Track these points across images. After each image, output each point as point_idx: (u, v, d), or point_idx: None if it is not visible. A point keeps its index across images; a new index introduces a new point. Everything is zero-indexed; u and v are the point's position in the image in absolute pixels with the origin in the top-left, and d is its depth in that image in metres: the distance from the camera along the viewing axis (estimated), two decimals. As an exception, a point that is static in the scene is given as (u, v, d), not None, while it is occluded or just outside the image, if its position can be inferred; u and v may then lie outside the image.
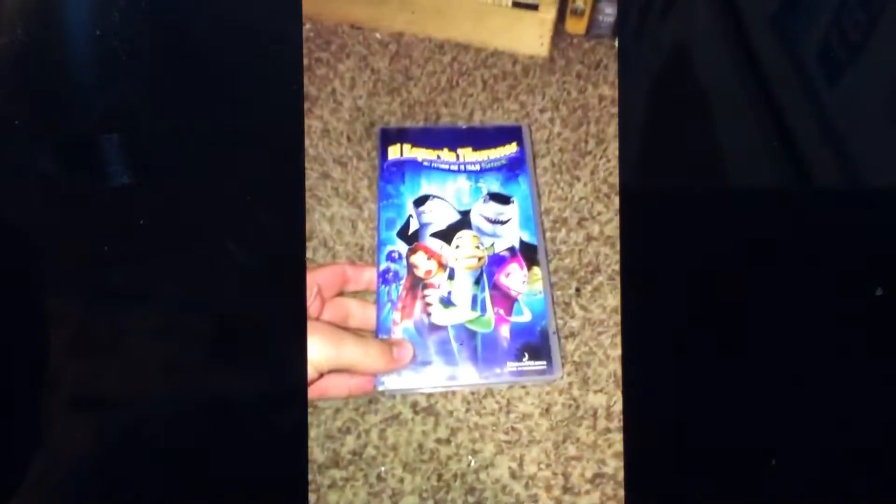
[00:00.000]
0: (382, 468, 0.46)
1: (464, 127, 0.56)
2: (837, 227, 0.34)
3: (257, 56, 0.34)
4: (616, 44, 0.59)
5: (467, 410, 0.48)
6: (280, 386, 0.37)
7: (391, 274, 0.49)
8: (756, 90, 0.35)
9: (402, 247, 0.50)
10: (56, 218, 0.35)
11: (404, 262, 0.49)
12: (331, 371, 0.43)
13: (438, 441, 0.47)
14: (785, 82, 0.35)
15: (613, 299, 0.51)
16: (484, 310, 0.48)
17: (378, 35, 0.60)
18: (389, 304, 0.48)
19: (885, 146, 0.34)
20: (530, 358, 0.47)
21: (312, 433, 0.46)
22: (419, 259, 0.50)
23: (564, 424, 0.48)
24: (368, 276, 0.50)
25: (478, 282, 0.49)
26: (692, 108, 0.35)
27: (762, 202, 0.34)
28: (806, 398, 0.33)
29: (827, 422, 0.33)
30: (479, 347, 0.47)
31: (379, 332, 0.48)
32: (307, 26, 0.59)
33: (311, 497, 0.44)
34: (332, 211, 0.53)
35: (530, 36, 0.59)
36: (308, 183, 0.54)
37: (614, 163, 0.55)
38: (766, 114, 0.35)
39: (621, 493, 0.46)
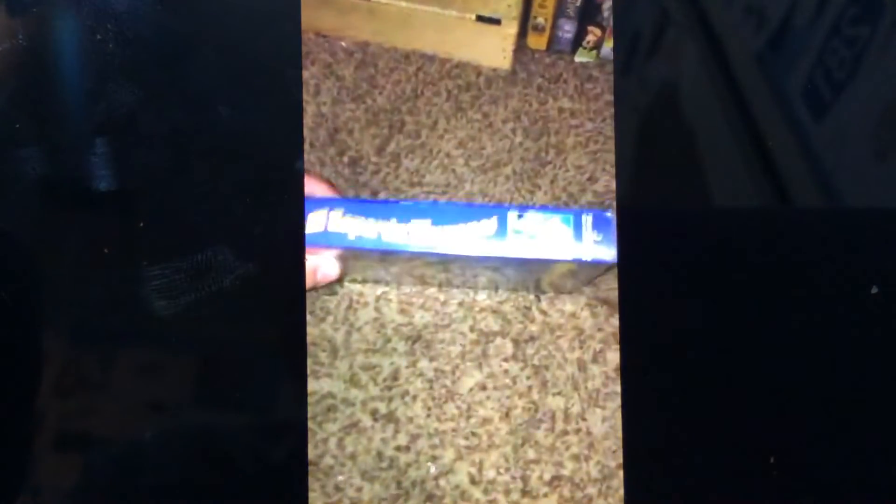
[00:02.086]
0: (340, 477, 0.44)
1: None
2: (820, 240, 0.34)
3: (257, 58, 0.33)
4: (575, 59, 0.58)
5: (427, 416, 0.46)
6: (274, 419, 0.35)
7: None
8: (741, 127, 0.35)
9: None
10: (54, 223, 0.33)
11: None
12: None
13: (398, 448, 0.45)
14: (770, 119, 0.35)
15: (571, 305, 0.50)
16: None
17: (343, 44, 0.58)
18: None
19: (871, 179, 0.34)
20: None
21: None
22: None
23: (524, 428, 0.46)
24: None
25: None
26: (679, 143, 0.35)
27: (745, 221, 0.34)
28: (803, 397, 0.33)
29: (825, 421, 0.33)
30: None
31: None
32: (273, 32, 0.57)
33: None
34: (296, 216, 0.51)
35: (493, 49, 0.57)
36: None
37: (573, 172, 0.54)
38: (752, 150, 0.34)
39: (579, 494, 0.45)
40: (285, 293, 0.34)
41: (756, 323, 0.32)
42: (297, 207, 0.33)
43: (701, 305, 0.33)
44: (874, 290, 0.32)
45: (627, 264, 0.34)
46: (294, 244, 0.34)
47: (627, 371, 0.34)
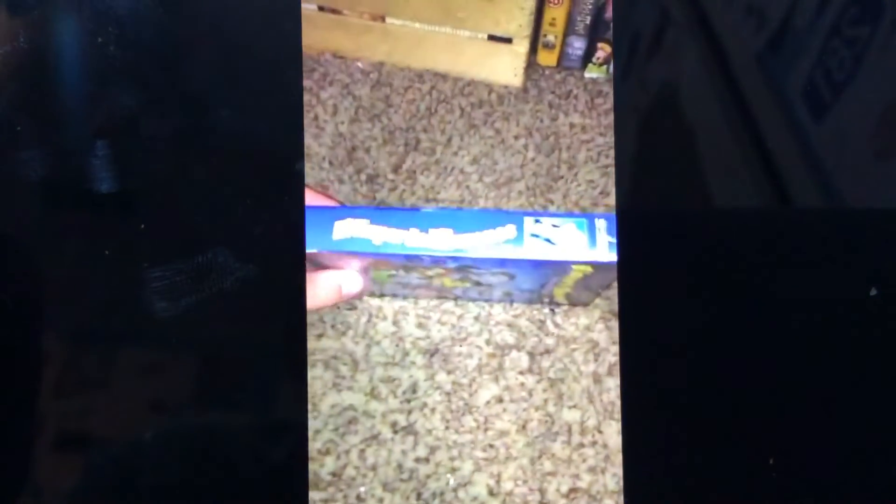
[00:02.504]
0: (362, 489, 0.44)
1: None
2: (820, 240, 0.33)
3: (257, 59, 0.33)
4: (585, 75, 0.58)
5: (446, 428, 0.46)
6: (274, 419, 0.35)
7: None
8: (742, 127, 0.34)
9: None
10: (55, 226, 0.33)
11: None
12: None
13: (417, 460, 0.45)
14: (770, 119, 0.34)
15: (586, 318, 0.49)
16: None
17: (360, 64, 0.58)
18: None
19: (871, 179, 0.33)
20: None
21: (292, 454, 0.44)
22: None
23: (540, 440, 0.46)
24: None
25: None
26: (679, 143, 0.34)
27: (745, 220, 0.33)
28: (803, 397, 0.32)
29: (825, 421, 0.32)
30: None
31: None
32: (290, 56, 0.58)
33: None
34: (313, 232, 0.51)
35: (505, 67, 0.57)
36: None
37: (584, 186, 0.53)
38: (752, 150, 0.34)
39: (595, 507, 0.44)
40: (285, 294, 0.33)
41: (756, 323, 0.32)
42: (297, 208, 0.33)
43: (701, 306, 0.32)
44: (873, 291, 0.31)
45: (627, 265, 0.33)
46: (294, 245, 0.33)
47: (627, 371, 0.34)
